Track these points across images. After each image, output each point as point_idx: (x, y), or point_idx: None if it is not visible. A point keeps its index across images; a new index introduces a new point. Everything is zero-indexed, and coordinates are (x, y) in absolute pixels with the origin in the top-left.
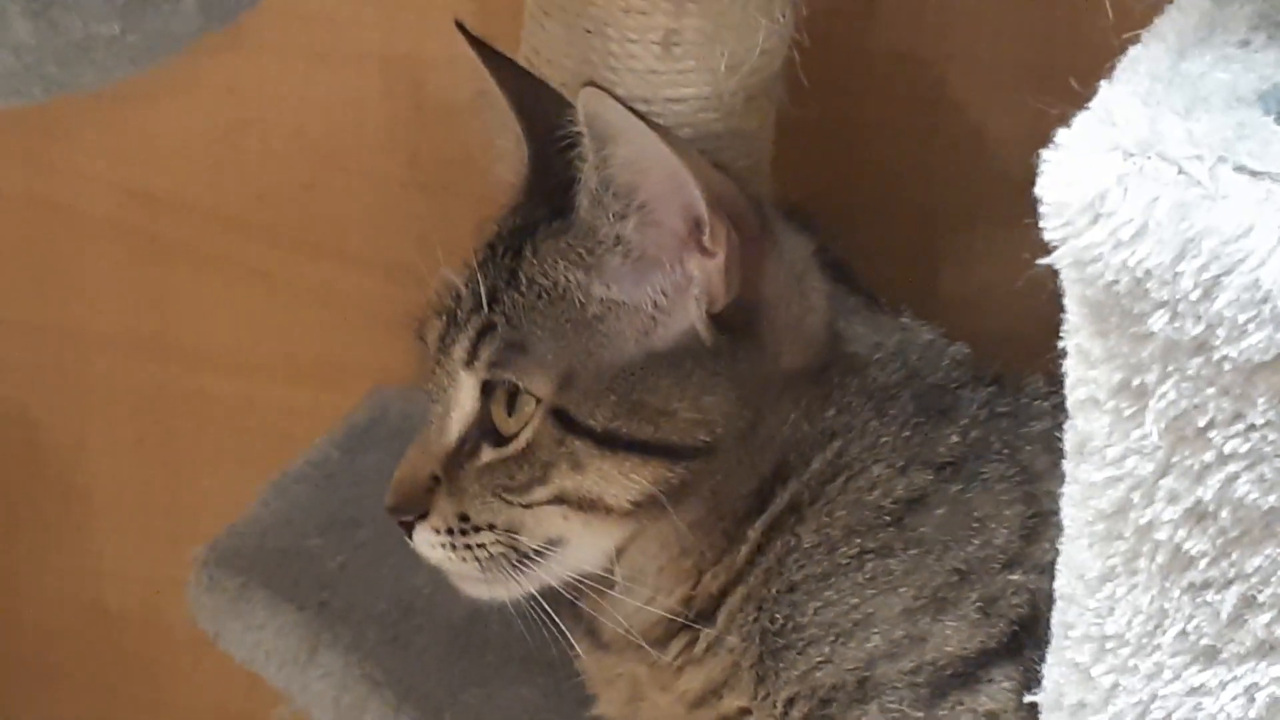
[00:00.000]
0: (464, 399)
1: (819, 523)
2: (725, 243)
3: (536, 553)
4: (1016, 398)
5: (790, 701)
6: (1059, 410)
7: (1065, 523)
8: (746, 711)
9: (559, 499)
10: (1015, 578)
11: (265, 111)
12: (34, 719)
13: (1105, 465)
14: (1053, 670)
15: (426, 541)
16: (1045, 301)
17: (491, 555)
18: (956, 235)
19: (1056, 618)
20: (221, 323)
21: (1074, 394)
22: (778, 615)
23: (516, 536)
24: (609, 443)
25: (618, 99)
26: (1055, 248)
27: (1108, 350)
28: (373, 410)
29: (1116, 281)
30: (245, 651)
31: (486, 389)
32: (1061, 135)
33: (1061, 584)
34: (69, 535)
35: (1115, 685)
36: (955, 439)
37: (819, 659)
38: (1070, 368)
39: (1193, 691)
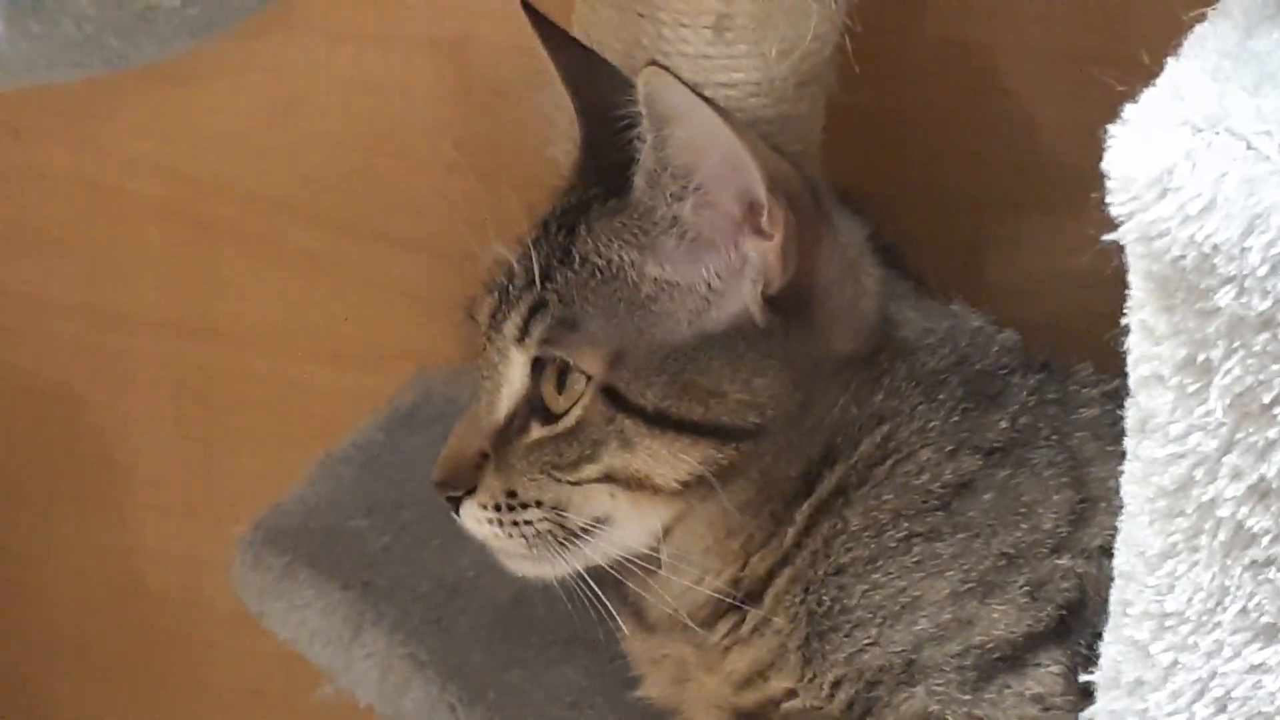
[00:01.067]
0: (514, 375)
1: (866, 506)
2: (782, 225)
3: (584, 530)
4: (1065, 384)
5: (837, 684)
6: (1108, 397)
7: (1125, 500)
8: (793, 693)
9: (607, 477)
10: (1063, 562)
11: (312, 94)
12: (71, 697)
13: (1168, 442)
14: (1110, 648)
15: (473, 517)
16: (1091, 290)
17: (539, 532)
18: (1004, 223)
19: (1115, 595)
20: (266, 305)
21: (1137, 370)
22: (825, 598)
23: (564, 514)
24: (659, 422)
25: (680, 79)
26: (1121, 223)
27: (1173, 326)
28: (417, 393)
29: (1183, 256)
30: (289, 630)
31: (537, 366)
32: (1129, 110)
33: (1121, 561)
34: (109, 514)
35: (1174, 663)
36: (1004, 424)
37: (866, 641)
38: (1133, 344)
39: (1253, 669)
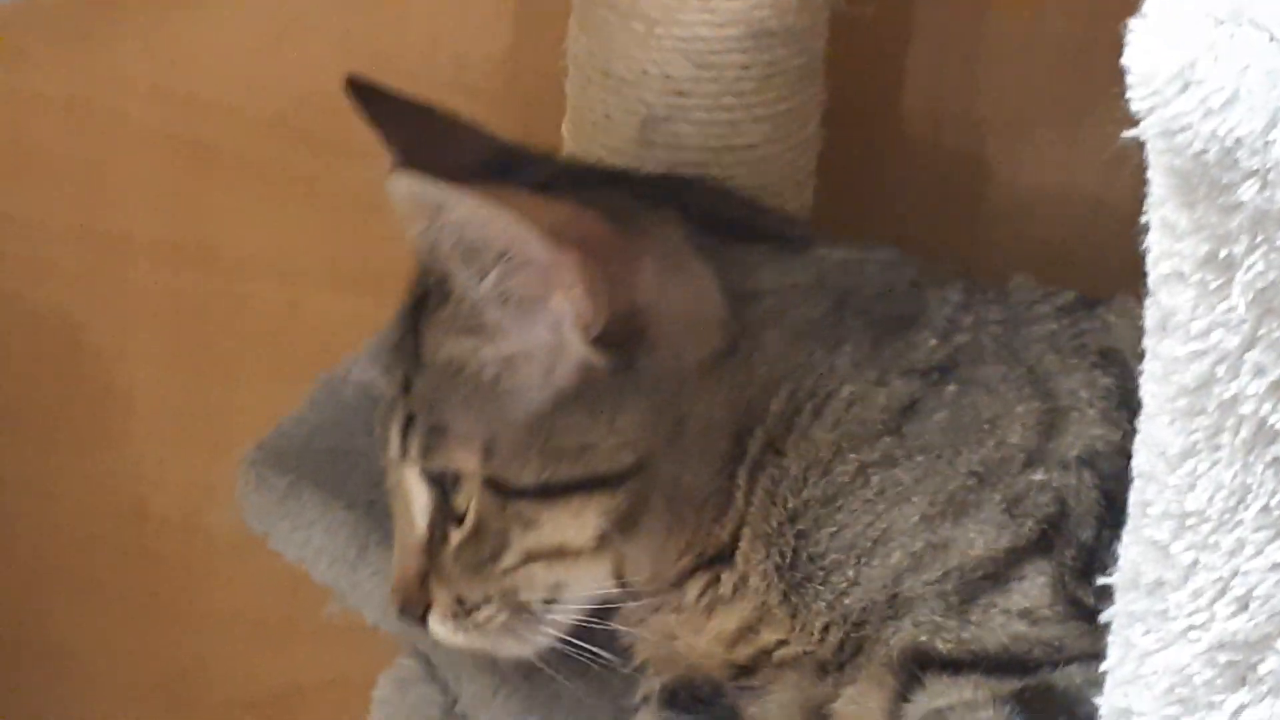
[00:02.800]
0: (417, 491)
1: (799, 450)
2: (579, 270)
3: (545, 605)
4: (1007, 302)
5: (825, 628)
6: (1061, 311)
7: (1145, 400)
8: (784, 642)
9: (530, 558)
10: (1038, 476)
11: (310, 15)
12: (73, 625)
13: (1189, 340)
14: (1130, 549)
15: (443, 630)
16: (1094, 211)
17: (504, 623)
18: (1005, 141)
19: (1134, 496)
20: (264, 228)
21: (1157, 268)
22: (787, 550)
23: (518, 599)
24: (547, 494)
25: (424, 174)
26: (1141, 119)
27: (1194, 222)
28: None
29: (1205, 151)
30: (294, 550)
31: (430, 479)
32: (1149, 4)
33: (1140, 462)
34: (109, 441)
35: (1195, 562)
36: (933, 343)
37: (844, 584)
38: (1154, 242)
39: (1275, 566)
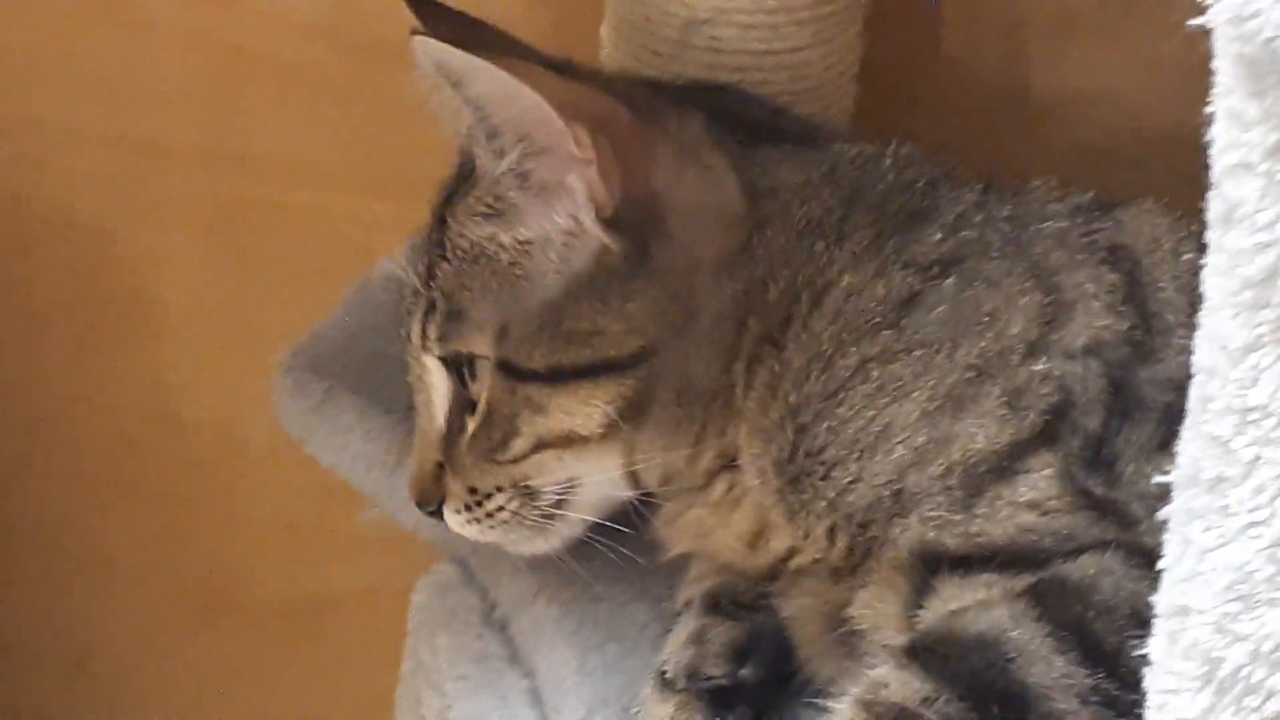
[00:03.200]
0: (436, 381)
1: (799, 342)
2: (592, 146)
3: (558, 498)
4: (1018, 201)
5: (831, 532)
6: (1075, 211)
7: (1207, 294)
8: (794, 550)
9: (540, 445)
10: (1039, 367)
11: None
12: (108, 529)
13: (1255, 231)
14: (1189, 445)
15: (455, 523)
16: (1135, 114)
17: (515, 513)
18: (1049, 42)
19: (1195, 392)
20: (299, 134)
21: (1222, 159)
22: (784, 445)
23: (530, 488)
24: (556, 378)
25: (445, 41)
26: (1209, 6)
27: (1264, 111)
28: None
29: (1275, 38)
30: (331, 456)
31: (448, 365)
32: None
33: (1201, 357)
34: (144, 347)
35: (1257, 458)
36: (939, 237)
37: (847, 480)
38: (1219, 132)
39: None
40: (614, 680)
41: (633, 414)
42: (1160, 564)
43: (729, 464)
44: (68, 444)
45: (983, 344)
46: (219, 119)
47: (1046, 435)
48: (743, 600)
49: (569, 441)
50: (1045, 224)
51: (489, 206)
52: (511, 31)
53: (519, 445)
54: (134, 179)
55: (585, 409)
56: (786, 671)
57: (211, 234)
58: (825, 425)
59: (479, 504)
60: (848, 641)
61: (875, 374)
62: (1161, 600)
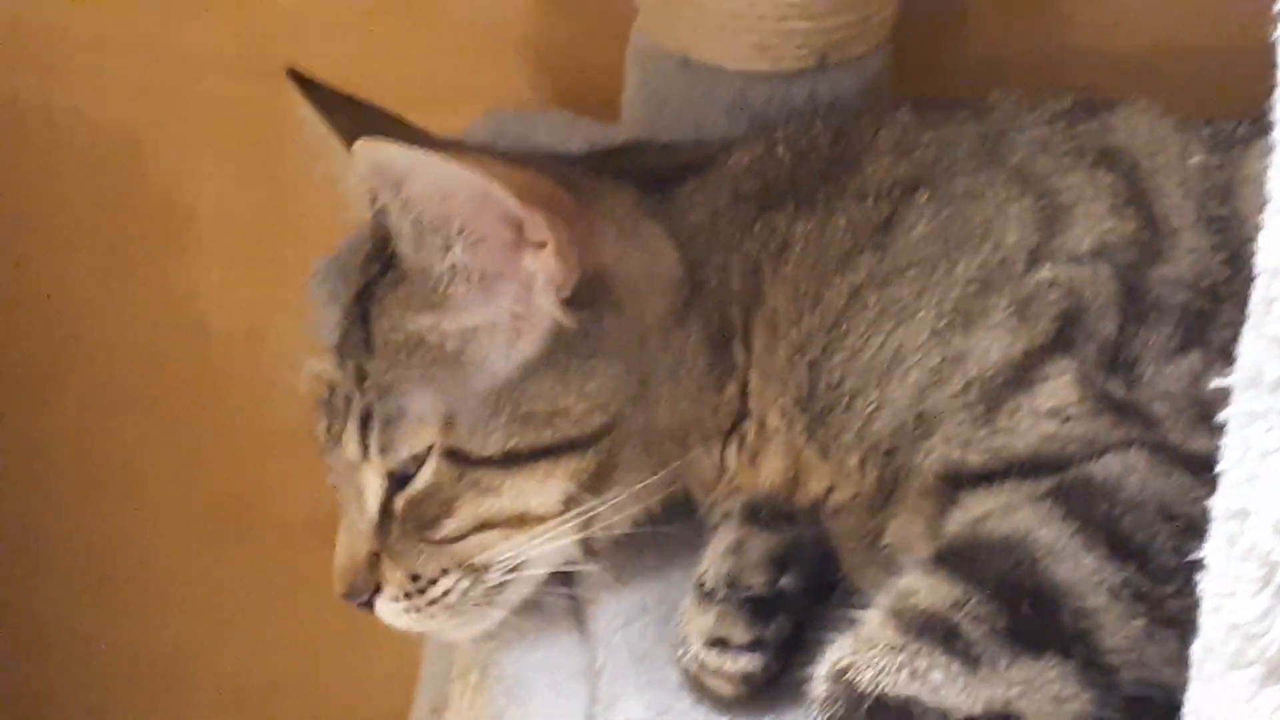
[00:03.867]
0: (373, 484)
1: (779, 288)
2: (549, 228)
3: (507, 575)
4: (987, 117)
5: (861, 464)
6: (1057, 116)
7: (1271, 193)
8: (831, 489)
9: (484, 524)
10: (1045, 274)
11: None
12: (136, 443)
13: None
14: (1250, 347)
15: (391, 613)
16: (1079, 66)
17: (464, 593)
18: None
19: (1257, 294)
20: (332, 44)
21: None
22: (800, 382)
23: (475, 569)
24: (512, 462)
25: (390, 140)
26: None
27: None
28: (490, 131)
29: None
30: None
31: (390, 475)
32: None
33: (1265, 258)
34: (172, 258)
35: None
36: (887, 162)
37: (870, 408)
38: None
39: None
40: (652, 589)
41: (594, 484)
42: (1219, 467)
43: (730, 431)
44: (95, 356)
45: (981, 256)
46: (250, 28)
47: (1061, 342)
48: (782, 511)
49: (521, 521)
50: (1021, 134)
51: (426, 299)
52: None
53: (450, 525)
54: (164, 88)
55: (543, 488)
56: (827, 582)
57: (242, 143)
58: (837, 358)
59: (421, 591)
60: (887, 564)
61: (872, 299)
62: (1219, 503)
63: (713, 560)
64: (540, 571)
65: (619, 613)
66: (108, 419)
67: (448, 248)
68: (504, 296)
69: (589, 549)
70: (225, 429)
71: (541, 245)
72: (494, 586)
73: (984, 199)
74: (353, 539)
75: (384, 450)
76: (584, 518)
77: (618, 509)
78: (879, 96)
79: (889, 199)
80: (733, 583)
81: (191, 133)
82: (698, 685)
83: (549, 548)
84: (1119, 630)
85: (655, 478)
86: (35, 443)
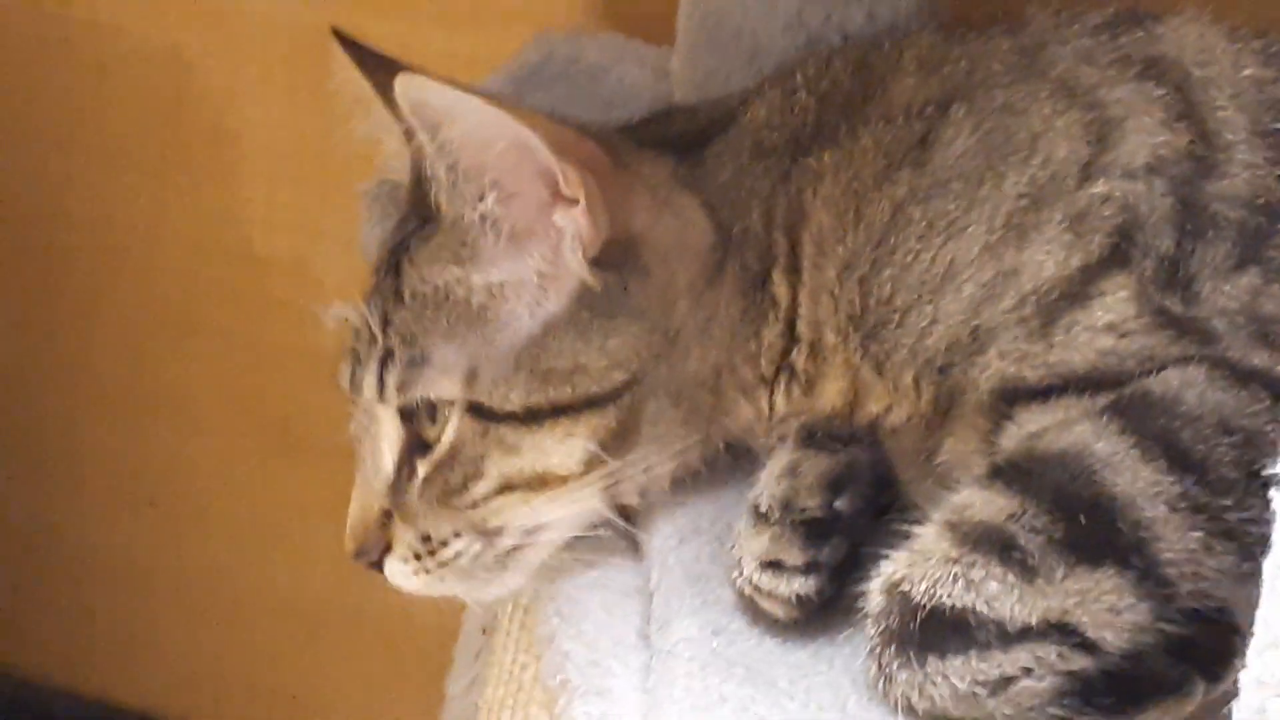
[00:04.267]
0: (388, 430)
1: (825, 206)
2: (581, 186)
3: (523, 539)
4: (1023, 33)
5: (916, 382)
6: (1099, 29)
7: None
8: (889, 409)
9: (506, 487)
10: (1099, 189)
11: None
12: (182, 367)
13: None
14: None
15: (399, 574)
16: None
17: (475, 557)
18: None
19: None
20: None
21: None
22: (853, 298)
23: (488, 531)
24: (533, 418)
25: (434, 77)
26: None
27: None
28: (540, 53)
29: None
30: None
31: (405, 414)
32: None
33: None
34: (218, 180)
35: None
36: (912, 83)
37: (923, 322)
38: None
39: None
40: (706, 510)
41: (616, 442)
42: None
43: (778, 370)
44: (141, 277)
45: (1030, 170)
46: None
47: (1117, 257)
48: (838, 433)
49: (542, 481)
50: (1062, 46)
51: (456, 251)
52: None
53: (481, 487)
54: (212, 10)
55: (563, 447)
56: (881, 504)
57: (289, 67)
58: (886, 273)
59: (431, 553)
60: (942, 483)
61: (916, 214)
62: None
63: (767, 483)
64: (557, 537)
65: (673, 533)
66: (153, 340)
67: (480, 197)
68: (533, 255)
69: (621, 510)
70: (269, 350)
71: (574, 202)
72: (507, 551)
73: (1028, 112)
74: (366, 496)
75: (401, 389)
76: (607, 480)
77: (646, 469)
78: (936, 16)
79: (922, 116)
80: (787, 505)
81: (241, 56)
82: (752, 607)
83: (568, 512)
84: (1177, 542)
85: (687, 437)
86: (83, 362)
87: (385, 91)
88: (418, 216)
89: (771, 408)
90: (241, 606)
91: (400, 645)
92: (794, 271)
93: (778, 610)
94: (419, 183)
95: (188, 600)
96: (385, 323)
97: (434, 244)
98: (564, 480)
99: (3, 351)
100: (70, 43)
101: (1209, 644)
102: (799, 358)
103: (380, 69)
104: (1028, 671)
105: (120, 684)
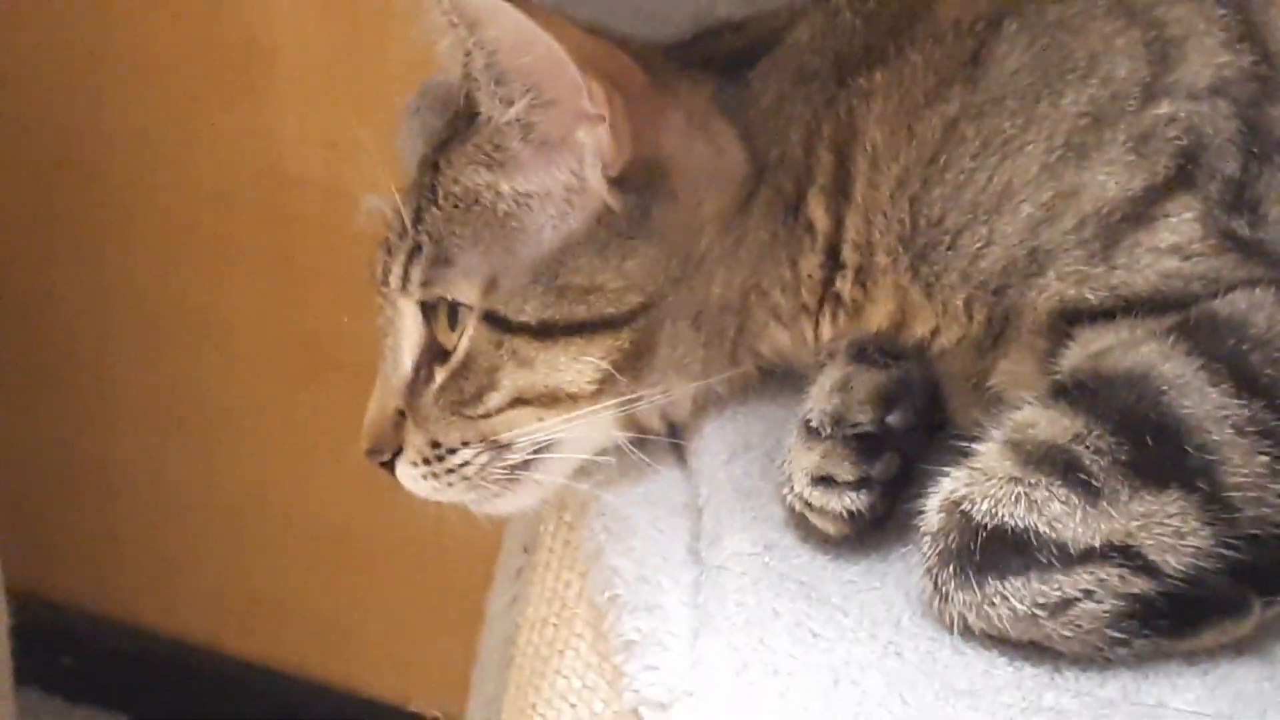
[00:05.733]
0: (410, 326)
1: (874, 124)
2: (606, 102)
3: (532, 454)
4: None
5: (968, 305)
6: None
7: None
8: (936, 332)
9: (518, 401)
10: (1163, 110)
11: None
12: (212, 287)
13: None
14: None
15: (409, 476)
16: None
17: (481, 468)
18: None
19: None
20: None
21: None
22: (904, 217)
23: (499, 442)
24: (547, 333)
25: None
26: None
27: None
28: None
29: None
30: None
31: (426, 311)
32: None
33: None
34: (250, 98)
35: None
36: (957, 2)
37: (977, 244)
38: None
39: None
40: (755, 426)
41: (630, 365)
42: None
43: (821, 299)
44: (171, 196)
45: (1090, 90)
46: None
47: (1182, 179)
48: (889, 349)
49: (554, 399)
50: None
51: (489, 155)
52: None
53: (495, 399)
54: None
55: (576, 365)
56: (934, 420)
57: None
58: (936, 191)
59: (439, 459)
60: (994, 404)
61: (970, 132)
62: None
63: (818, 398)
64: (569, 456)
65: (722, 449)
66: (183, 259)
67: (513, 101)
68: (561, 168)
69: (640, 429)
70: (299, 273)
71: (600, 119)
72: (514, 466)
73: (1085, 30)
74: (384, 394)
75: (423, 284)
76: (621, 401)
77: (665, 391)
78: None
79: (972, 33)
80: (839, 420)
81: None
82: (803, 524)
83: (580, 433)
84: (1242, 466)
85: (710, 361)
86: (112, 281)
87: None
88: (464, 117)
89: (817, 336)
90: (271, 528)
91: (432, 566)
92: (840, 194)
93: (829, 526)
94: (465, 81)
95: (217, 522)
96: (417, 218)
97: (469, 146)
98: (575, 399)
99: (32, 271)
100: None
101: (1266, 565)
102: (844, 285)
103: None
104: (1088, 594)
105: (149, 607)
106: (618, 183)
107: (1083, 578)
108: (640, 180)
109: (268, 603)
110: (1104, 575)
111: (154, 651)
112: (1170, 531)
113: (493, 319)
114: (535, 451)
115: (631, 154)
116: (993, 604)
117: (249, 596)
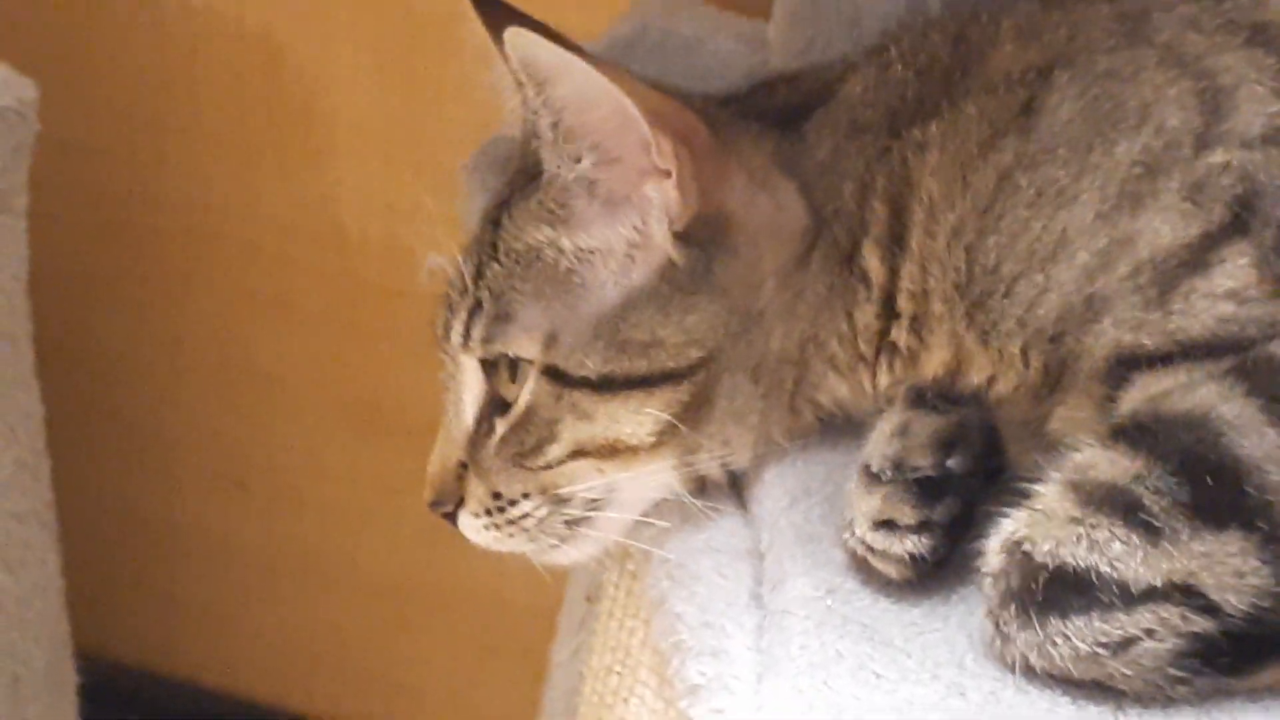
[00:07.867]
0: (471, 380)
1: (929, 176)
2: (674, 158)
3: (590, 508)
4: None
5: (1025, 353)
6: None
7: None
8: (994, 379)
9: (578, 452)
10: (1217, 159)
11: None
12: (273, 348)
13: None
14: None
15: (471, 528)
16: None
17: (541, 521)
18: None
19: None
20: None
21: None
22: (960, 265)
23: (560, 495)
24: (607, 387)
25: (544, 34)
26: None
27: None
28: (633, 25)
29: None
30: None
31: (487, 366)
32: None
33: None
34: (309, 163)
35: None
36: (1011, 49)
37: (1034, 291)
38: None
39: None
40: (815, 472)
41: (689, 417)
42: None
43: (878, 351)
44: (232, 259)
45: (1143, 139)
46: None
47: (1237, 226)
48: (948, 394)
49: (613, 451)
50: (1165, 13)
51: (552, 211)
52: None
53: (555, 451)
54: None
55: (636, 418)
56: (994, 464)
57: (381, 49)
58: (991, 240)
59: (501, 510)
60: (1052, 450)
61: (1024, 182)
62: None
63: (878, 442)
64: (624, 515)
65: (783, 495)
66: (244, 322)
67: (579, 159)
68: (624, 223)
69: (700, 479)
70: (360, 333)
71: (665, 174)
72: (573, 520)
73: (1136, 80)
74: (447, 446)
75: (484, 341)
76: (681, 453)
77: (724, 442)
78: None
79: (1024, 83)
80: (899, 464)
81: (332, 37)
82: (864, 567)
83: (639, 485)
84: None
85: (769, 412)
86: (174, 344)
87: (499, 41)
88: (526, 174)
89: (875, 385)
90: (332, 588)
91: (492, 624)
92: (895, 244)
93: (891, 570)
94: (528, 139)
95: (278, 582)
96: (478, 275)
97: (532, 202)
98: (635, 451)
99: (95, 333)
100: (162, 25)
101: None
102: (900, 334)
103: (501, 20)
104: (1150, 633)
105: (211, 667)
106: (681, 238)
107: (1144, 617)
108: (703, 235)
109: (331, 661)
110: (1165, 614)
111: (218, 711)
112: (1230, 571)
113: (553, 373)
114: (593, 507)
115: (697, 209)
116: (1055, 643)
117: (311, 655)
